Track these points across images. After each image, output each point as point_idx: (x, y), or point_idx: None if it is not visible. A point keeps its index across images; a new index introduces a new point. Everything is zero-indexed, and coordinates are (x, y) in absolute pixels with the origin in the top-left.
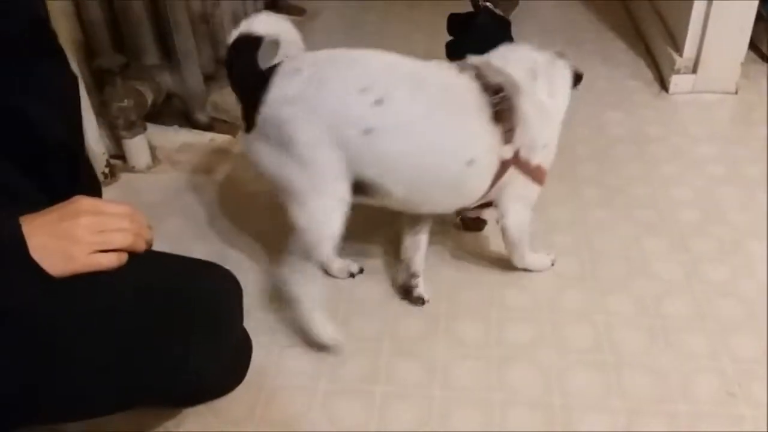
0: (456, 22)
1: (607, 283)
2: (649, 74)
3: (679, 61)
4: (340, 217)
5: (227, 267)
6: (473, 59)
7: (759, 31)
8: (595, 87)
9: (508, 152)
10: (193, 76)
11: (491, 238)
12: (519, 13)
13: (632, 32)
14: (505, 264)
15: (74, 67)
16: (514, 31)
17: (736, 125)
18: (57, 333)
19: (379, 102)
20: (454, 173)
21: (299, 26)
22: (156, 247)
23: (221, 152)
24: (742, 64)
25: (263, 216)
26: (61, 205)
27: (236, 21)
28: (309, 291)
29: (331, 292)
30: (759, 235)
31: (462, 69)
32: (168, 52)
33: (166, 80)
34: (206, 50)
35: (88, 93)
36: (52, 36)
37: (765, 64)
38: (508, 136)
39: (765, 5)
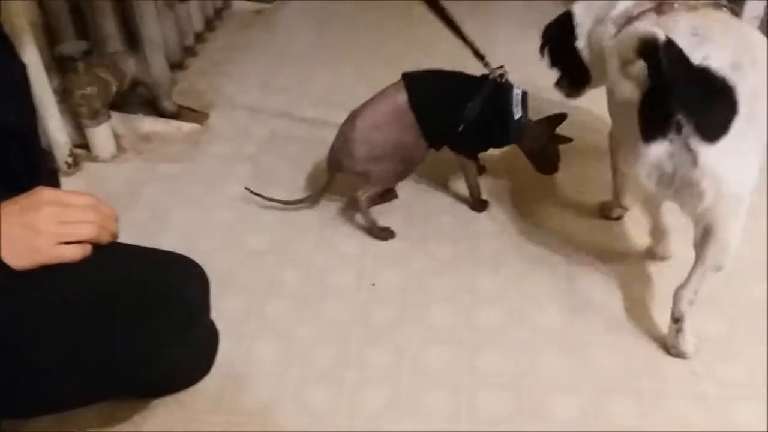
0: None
1: (577, 268)
2: None
3: None
4: None
5: (193, 257)
6: None
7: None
8: None
9: None
10: (158, 64)
11: (461, 225)
12: (498, 8)
13: None
14: (476, 250)
15: (35, 53)
16: (492, 25)
17: None
18: (19, 327)
19: None
20: None
21: (269, 14)
22: (121, 238)
23: (188, 141)
24: None
25: (230, 205)
26: (22, 196)
27: (203, 8)
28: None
29: (299, 281)
30: None
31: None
32: (133, 39)
33: (131, 67)
34: (172, 37)
35: (50, 80)
36: None
37: None
38: None
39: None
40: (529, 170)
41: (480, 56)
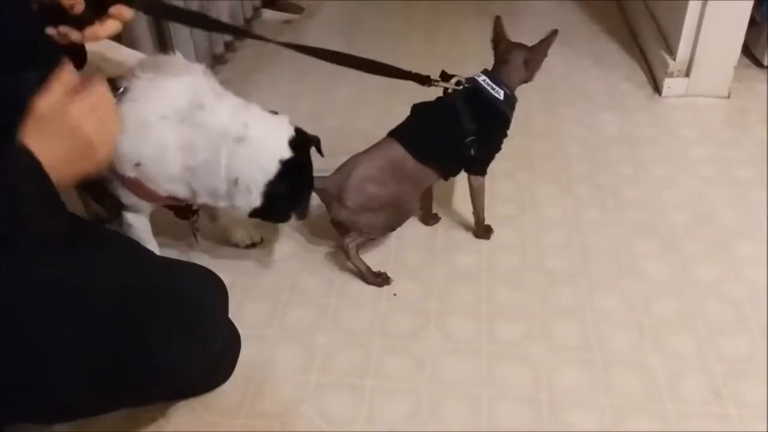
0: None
1: (597, 282)
2: (642, 77)
3: (673, 65)
4: None
5: (219, 264)
6: None
7: (753, 35)
8: (588, 88)
9: None
10: None
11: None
12: (513, 12)
13: (627, 34)
14: (496, 262)
15: None
16: (509, 31)
17: (727, 129)
18: (36, 332)
19: None
20: None
21: (297, 25)
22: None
23: None
24: (735, 68)
25: None
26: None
27: (233, 17)
28: None
29: (321, 288)
30: (749, 236)
31: None
32: (164, 45)
33: None
34: (203, 45)
35: None
36: None
37: (758, 69)
38: None
39: (760, 10)
40: (550, 184)
41: (427, 80)
